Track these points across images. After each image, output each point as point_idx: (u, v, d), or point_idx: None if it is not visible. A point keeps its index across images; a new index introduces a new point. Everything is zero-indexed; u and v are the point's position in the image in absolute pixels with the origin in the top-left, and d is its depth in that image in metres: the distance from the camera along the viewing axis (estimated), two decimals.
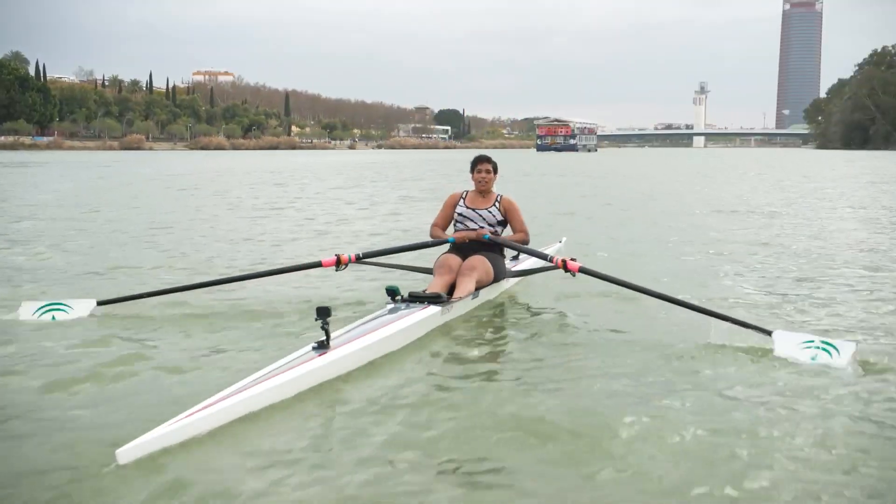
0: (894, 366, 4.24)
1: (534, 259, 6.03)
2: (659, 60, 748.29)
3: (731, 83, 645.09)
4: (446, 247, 5.88)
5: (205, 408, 3.22)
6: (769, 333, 4.53)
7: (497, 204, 5.95)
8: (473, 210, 5.93)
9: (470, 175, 6.03)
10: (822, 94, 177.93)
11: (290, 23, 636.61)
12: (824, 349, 4.31)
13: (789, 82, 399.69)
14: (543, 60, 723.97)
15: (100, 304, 5.48)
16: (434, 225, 6.05)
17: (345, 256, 5.49)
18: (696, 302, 5.11)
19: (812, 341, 4.38)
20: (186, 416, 3.13)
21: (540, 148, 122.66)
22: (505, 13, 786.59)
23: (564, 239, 8.15)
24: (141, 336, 4.91)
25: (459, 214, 5.97)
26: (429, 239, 6.02)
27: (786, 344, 4.42)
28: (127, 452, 2.87)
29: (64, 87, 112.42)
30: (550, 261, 5.48)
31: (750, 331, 4.62)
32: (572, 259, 5.37)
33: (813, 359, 4.27)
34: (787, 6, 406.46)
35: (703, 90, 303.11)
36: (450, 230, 6.11)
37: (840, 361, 4.22)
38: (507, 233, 6.06)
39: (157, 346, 4.66)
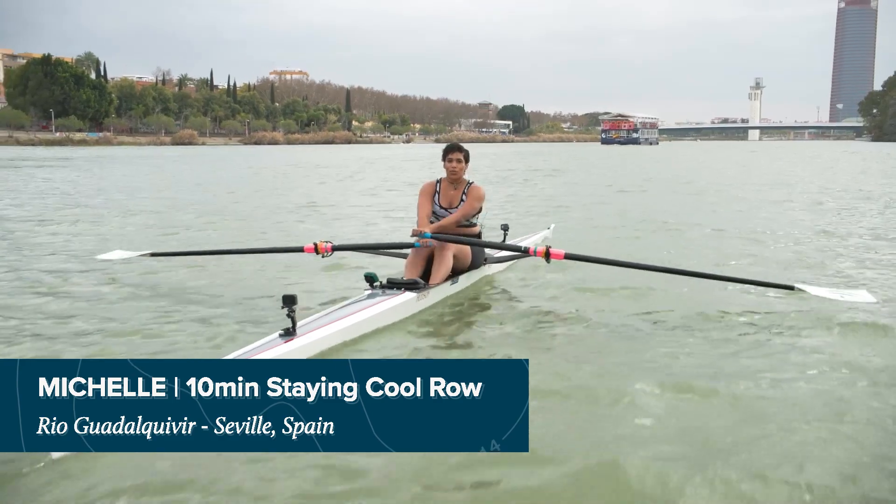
0: None
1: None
2: (716, 58, 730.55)
3: (786, 79, 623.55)
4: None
5: None
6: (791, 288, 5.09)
7: (465, 194, 5.78)
8: (446, 210, 5.79)
9: (442, 164, 5.84)
10: (877, 88, 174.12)
11: (368, 29, 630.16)
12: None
13: (843, 78, 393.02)
14: (608, 60, 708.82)
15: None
16: (419, 221, 5.72)
17: (322, 245, 5.52)
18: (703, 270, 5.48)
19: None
20: None
21: (604, 141, 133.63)
22: (573, 16, 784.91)
23: (553, 226, 8.08)
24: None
25: (434, 213, 5.81)
26: (397, 241, 6.52)
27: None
28: None
29: (124, 84, 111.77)
30: (527, 252, 5.36)
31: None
32: (549, 247, 5.33)
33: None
34: (843, 4, 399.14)
35: (758, 85, 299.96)
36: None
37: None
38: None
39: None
